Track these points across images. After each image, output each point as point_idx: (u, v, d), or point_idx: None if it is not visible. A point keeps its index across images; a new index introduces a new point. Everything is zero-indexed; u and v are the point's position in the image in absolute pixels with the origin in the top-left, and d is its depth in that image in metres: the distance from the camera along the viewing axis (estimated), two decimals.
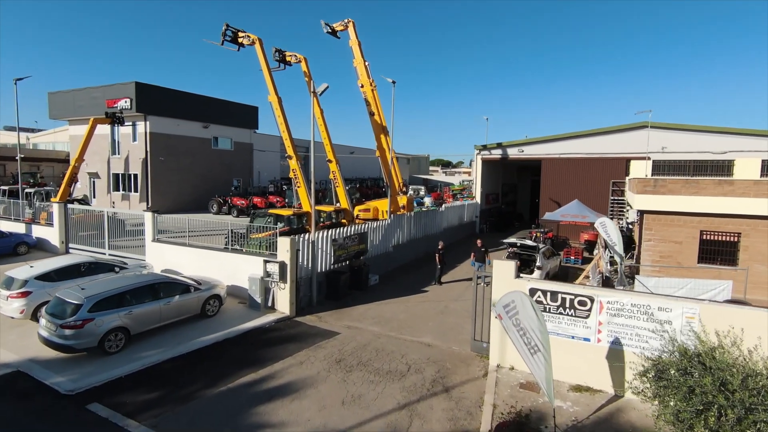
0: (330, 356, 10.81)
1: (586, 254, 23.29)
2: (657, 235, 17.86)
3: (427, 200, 39.76)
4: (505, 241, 18.53)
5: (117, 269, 13.88)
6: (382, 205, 23.64)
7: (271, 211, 18.67)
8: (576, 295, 9.65)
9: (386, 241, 19.82)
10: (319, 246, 15.33)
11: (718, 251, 17.02)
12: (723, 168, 25.37)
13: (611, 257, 18.36)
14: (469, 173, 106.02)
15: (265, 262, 13.67)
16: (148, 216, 16.74)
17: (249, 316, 13.28)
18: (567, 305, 9.72)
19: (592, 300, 9.47)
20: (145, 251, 16.90)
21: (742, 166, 24.79)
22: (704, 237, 17.15)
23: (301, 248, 14.25)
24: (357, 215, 23.78)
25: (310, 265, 14.70)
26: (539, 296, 10.01)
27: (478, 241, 18.04)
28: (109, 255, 18.41)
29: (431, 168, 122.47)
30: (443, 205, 27.47)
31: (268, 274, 13.67)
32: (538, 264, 17.19)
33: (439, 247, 18.08)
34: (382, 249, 19.47)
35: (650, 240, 17.97)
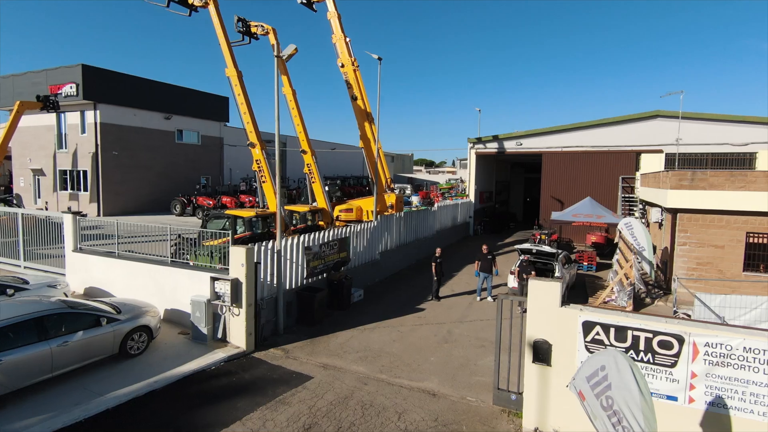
0: (296, 420, 7.52)
1: (598, 259, 20.46)
2: (694, 238, 15.07)
3: (415, 199, 36.64)
4: (518, 247, 15.45)
5: (10, 291, 10.28)
6: (367, 204, 20.40)
7: (227, 212, 15.14)
8: (656, 333, 6.57)
9: (372, 247, 16.59)
10: (288, 256, 12.01)
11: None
12: (744, 161, 22.91)
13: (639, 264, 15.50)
14: (453, 172, 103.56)
15: (213, 279, 10.28)
16: (67, 218, 13.13)
17: (190, 353, 9.88)
18: (641, 347, 6.64)
19: (681, 341, 6.41)
20: (65, 264, 13.29)
21: (766, 159, 22.35)
22: (751, 240, 14.43)
23: (262, 260, 10.92)
24: (337, 216, 20.48)
25: (275, 281, 11.37)
26: (597, 334, 6.92)
27: (484, 247, 14.95)
28: (25, 268, 14.73)
29: (414, 167, 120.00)
30: (436, 204, 24.40)
31: (217, 296, 10.29)
32: (557, 274, 14.20)
33: (437, 254, 14.94)
34: (367, 257, 16.24)
35: (685, 244, 15.18)
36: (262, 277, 11.00)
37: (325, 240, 13.50)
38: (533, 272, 13.92)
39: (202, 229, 12.30)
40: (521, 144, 27.73)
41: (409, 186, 48.07)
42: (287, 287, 11.98)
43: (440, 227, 24.16)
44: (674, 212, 15.31)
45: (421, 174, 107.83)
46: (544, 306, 7.31)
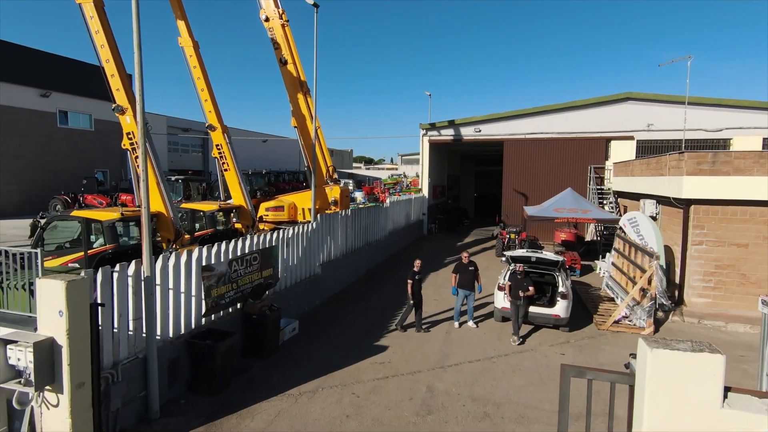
0: None
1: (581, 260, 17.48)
2: (712, 235, 12.23)
3: (358, 195, 32.47)
4: (510, 254, 11.63)
5: None
6: (303, 200, 15.87)
7: (76, 213, 9.79)
8: None
9: (310, 258, 12.18)
10: (171, 283, 7.35)
11: None
12: (718, 148, 21.07)
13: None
14: (395, 168, 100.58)
15: (4, 343, 5.43)
16: None
17: None
18: None
19: None
20: None
21: (741, 145, 20.63)
22: None
23: (116, 296, 6.22)
24: (261, 218, 15.74)
25: (144, 329, 6.69)
26: None
27: (465, 255, 11.07)
28: None
29: (353, 165, 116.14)
30: (388, 200, 20.36)
31: (16, 373, 5.47)
32: (561, 290, 10.65)
33: (415, 268, 10.78)
34: (304, 271, 11.81)
35: (701, 243, 12.32)
36: (116, 325, 6.31)
37: (240, 253, 8.95)
38: (531, 288, 10.28)
39: (39, 241, 7.27)
40: (480, 130, 24.46)
41: (351, 181, 43.79)
42: (170, 335, 7.33)
43: (393, 227, 20.17)
44: (687, 204, 12.39)
45: (361, 171, 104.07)
46: (684, 397, 3.40)
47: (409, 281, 10.45)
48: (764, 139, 20.36)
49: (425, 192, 26.07)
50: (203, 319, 8.06)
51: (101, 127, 29.33)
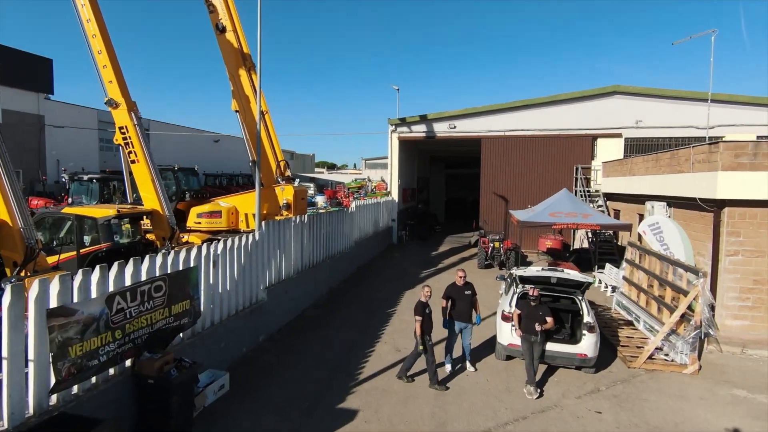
0: None
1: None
2: (749, 243, 10.09)
3: (320, 199, 29.33)
4: (519, 273, 8.79)
5: None
6: (246, 203, 12.59)
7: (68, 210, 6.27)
8: None
9: (251, 281, 9.06)
10: None
11: None
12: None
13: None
14: (359, 173, 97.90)
15: None
16: None
17: None
18: None
19: None
20: None
21: None
22: None
23: None
24: (189, 229, 12.30)
25: None
26: None
27: (460, 275, 8.26)
28: None
29: (316, 170, 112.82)
30: (353, 204, 17.38)
31: None
32: (588, 320, 8.06)
33: (423, 298, 7.74)
34: (242, 299, 8.67)
35: (737, 253, 10.16)
36: None
37: (130, 282, 5.81)
38: (550, 319, 7.64)
39: None
40: (455, 126, 22.00)
41: (312, 185, 40.52)
42: None
43: (360, 236, 17.25)
44: (719, 206, 10.22)
45: (324, 175, 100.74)
46: None
47: (417, 319, 7.42)
48: (758, 136, 18.91)
49: (394, 195, 23.33)
50: (53, 397, 4.87)
51: (12, 119, 24.77)
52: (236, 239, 8.51)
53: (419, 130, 22.59)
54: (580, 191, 19.89)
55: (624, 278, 11.97)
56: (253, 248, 9.05)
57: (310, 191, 40.64)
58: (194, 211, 12.06)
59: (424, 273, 16.33)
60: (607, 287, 13.94)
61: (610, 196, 18.87)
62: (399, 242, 23.53)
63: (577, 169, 20.44)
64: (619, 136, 20.24)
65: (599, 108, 20.38)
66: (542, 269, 8.74)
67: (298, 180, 12.46)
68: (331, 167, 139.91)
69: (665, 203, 12.92)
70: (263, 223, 9.80)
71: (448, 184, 37.78)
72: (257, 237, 9.32)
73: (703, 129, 19.45)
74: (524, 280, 8.51)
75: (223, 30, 12.01)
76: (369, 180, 51.10)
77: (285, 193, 11.83)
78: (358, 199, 32.65)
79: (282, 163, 12.41)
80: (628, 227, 13.31)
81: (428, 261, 18.62)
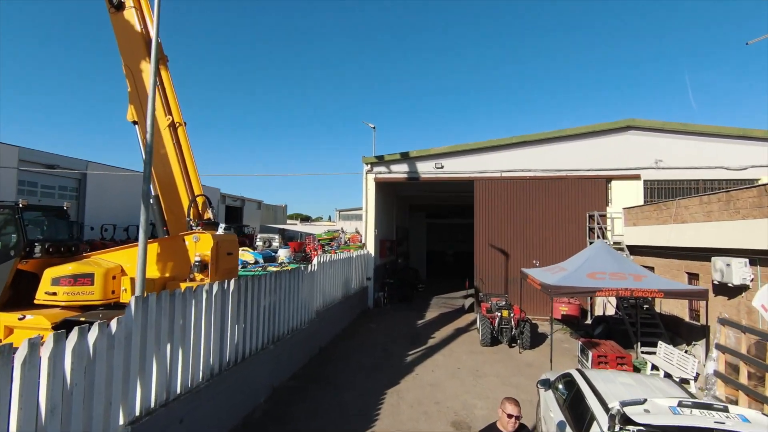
0: None
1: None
2: None
3: (283, 253, 24.86)
4: (630, 413, 4.56)
5: None
6: (131, 260, 8.05)
7: None
8: None
9: (93, 416, 4.55)
10: None
11: None
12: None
13: None
14: (334, 225, 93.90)
15: None
16: None
17: None
18: None
19: None
20: None
21: None
22: None
23: None
24: (42, 302, 7.67)
25: None
26: None
27: (510, 412, 4.02)
28: None
29: (289, 221, 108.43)
30: (315, 260, 13.08)
31: None
32: None
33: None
34: None
35: None
36: None
37: None
38: None
39: None
40: (442, 166, 18.47)
41: (277, 236, 36.06)
42: None
43: (324, 303, 12.87)
44: None
45: (297, 227, 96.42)
46: None
47: None
48: None
49: (370, 247, 19.20)
50: None
51: None
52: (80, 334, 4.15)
53: (400, 171, 18.95)
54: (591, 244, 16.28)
55: (715, 372, 7.95)
56: (102, 351, 4.67)
57: (275, 243, 36.10)
58: (49, 274, 7.54)
59: (411, 355, 11.95)
60: (681, 378, 9.85)
61: (637, 250, 15.30)
62: (376, 306, 19.13)
63: (592, 216, 16.96)
64: (636, 178, 17.07)
65: (612, 146, 17.32)
66: (680, 405, 4.44)
67: (223, 226, 8.21)
68: (305, 219, 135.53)
69: (746, 260, 9.29)
70: (149, 297, 5.46)
71: (429, 236, 34.00)
72: (123, 326, 4.97)
73: (734, 170, 16.50)
74: (631, 422, 4.26)
75: (120, 6, 8.22)
76: (342, 231, 47.03)
77: (200, 246, 7.55)
78: (327, 253, 28.40)
79: (200, 201, 8.24)
80: (703, 294, 9.49)
81: (415, 335, 14.27)
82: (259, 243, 35.76)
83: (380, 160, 18.91)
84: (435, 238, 34.82)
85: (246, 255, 22.49)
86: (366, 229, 19.15)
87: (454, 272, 34.91)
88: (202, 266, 7.43)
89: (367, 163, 19.05)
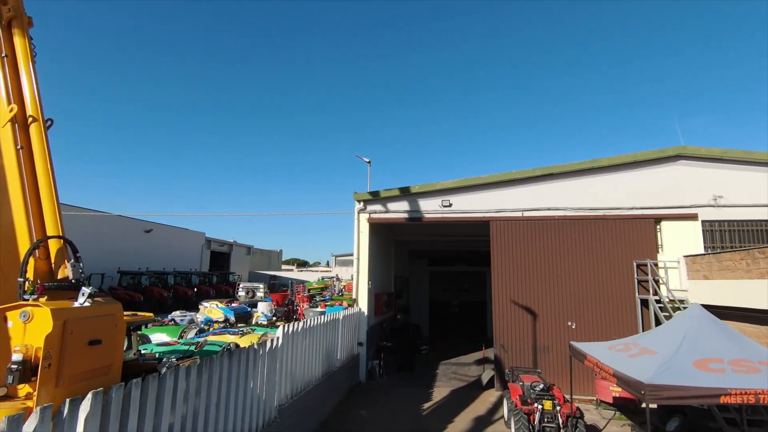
0: None
1: None
2: None
3: (262, 308, 21.12)
4: None
5: None
6: None
7: None
8: None
9: None
10: None
11: None
12: None
13: None
14: (329, 271, 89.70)
15: None
16: None
17: None
18: None
19: None
20: None
21: None
22: None
23: None
24: None
25: None
26: None
27: None
28: None
29: (284, 266, 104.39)
30: (280, 332, 9.45)
31: None
32: None
33: None
34: None
35: None
36: None
37: None
38: None
39: None
40: (450, 204, 15.22)
41: (262, 285, 32.26)
42: None
43: (294, 391, 9.14)
44: None
45: (292, 274, 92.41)
46: None
47: None
48: None
49: (363, 304, 15.55)
50: None
51: None
52: None
53: (398, 210, 15.66)
54: (649, 300, 12.73)
55: None
56: None
57: (258, 293, 32.27)
58: None
59: None
60: None
61: (711, 312, 11.71)
62: (370, 378, 15.24)
63: (642, 266, 13.51)
64: (692, 217, 13.78)
65: (659, 179, 14.17)
66: None
67: (89, 291, 4.71)
68: (302, 264, 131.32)
69: None
70: None
71: (432, 285, 30.27)
72: None
73: None
74: None
75: None
76: (337, 279, 43.16)
77: (31, 330, 4.10)
78: (315, 306, 24.69)
79: (54, 249, 4.85)
80: None
81: (416, 417, 10.39)
82: (241, 293, 31.97)
83: (375, 197, 15.67)
84: (438, 287, 31.09)
85: (214, 312, 18.81)
86: (358, 282, 15.58)
87: (461, 326, 30.94)
88: (25, 371, 3.92)
89: (359, 201, 15.80)
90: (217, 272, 40.36)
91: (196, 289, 32.14)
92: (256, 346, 7.56)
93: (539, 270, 14.30)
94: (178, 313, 18.09)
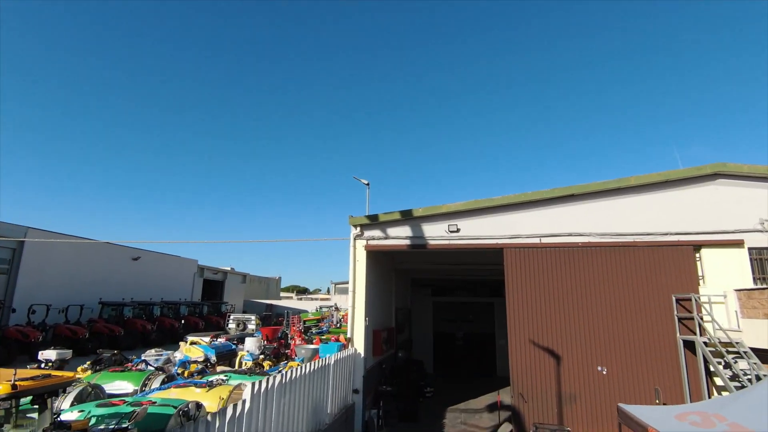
0: None
1: None
2: None
3: (250, 344, 19.06)
4: None
5: None
6: None
7: None
8: None
9: None
10: None
11: None
12: None
13: None
14: (328, 299, 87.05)
15: None
16: None
17: None
18: None
19: None
20: None
21: None
22: None
23: None
24: None
25: None
26: None
27: None
28: None
29: (283, 294, 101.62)
30: (246, 394, 7.56)
31: None
32: None
33: None
34: None
35: None
36: None
37: None
38: None
39: None
40: (458, 229, 13.48)
41: (253, 317, 30.14)
42: None
43: None
44: None
45: (292, 302, 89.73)
46: None
47: None
48: None
49: (359, 344, 13.58)
50: None
51: None
52: None
53: (400, 235, 13.90)
54: (695, 342, 10.80)
55: None
56: None
57: (250, 325, 30.14)
58: None
59: None
60: None
61: (758, 352, 9.82)
62: (366, 430, 13.13)
63: (683, 301, 11.65)
64: (737, 244, 11.99)
65: (696, 200, 12.46)
66: None
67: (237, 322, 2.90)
68: (302, 291, 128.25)
69: None
70: None
71: (436, 317, 28.18)
72: None
73: None
74: None
75: None
76: (335, 309, 40.96)
77: None
78: (308, 341, 22.66)
79: None
80: None
81: None
82: (231, 325, 29.84)
83: (373, 222, 13.94)
84: (441, 317, 29.00)
85: (193, 351, 16.80)
86: (353, 319, 13.68)
87: (466, 360, 28.75)
88: None
89: (355, 225, 14.07)
90: (209, 302, 38.27)
91: (183, 321, 30.05)
92: (209, 418, 5.68)
93: (562, 305, 12.42)
94: (153, 351, 16.06)
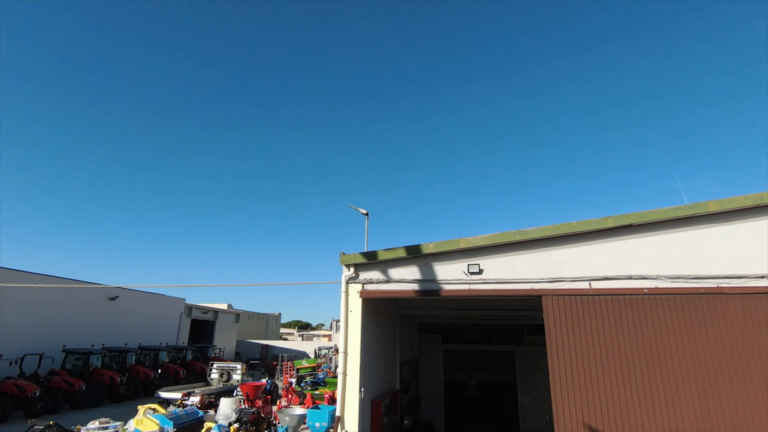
0: None
1: None
2: None
3: (223, 410, 15.64)
4: None
5: None
6: None
7: None
8: None
9: None
10: None
11: None
12: None
13: None
14: (329, 337, 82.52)
15: None
16: None
17: None
18: None
19: None
20: None
21: None
22: None
23: None
24: None
25: None
26: None
27: None
28: None
29: (284, 330, 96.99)
30: None
31: None
32: None
33: None
34: None
35: None
36: None
37: None
38: None
39: None
40: (481, 270, 10.40)
41: (238, 365, 26.55)
42: None
43: None
44: None
45: (292, 339, 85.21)
46: None
47: None
48: None
49: (351, 423, 10.23)
50: None
51: None
52: None
53: (405, 278, 10.81)
54: None
55: None
56: None
57: (236, 375, 26.62)
58: None
59: None
60: None
61: None
62: None
63: None
64: None
65: (758, 233, 9.41)
66: None
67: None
68: (304, 327, 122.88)
69: None
70: None
71: (447, 367, 24.57)
72: None
73: None
74: None
75: None
76: (335, 351, 37.23)
77: None
78: (302, 393, 19.27)
79: None
80: None
81: None
82: (214, 375, 26.22)
83: (371, 260, 10.89)
84: (452, 365, 25.36)
85: (146, 424, 13.39)
86: (344, 390, 10.38)
87: (481, 413, 25.01)
88: None
89: (347, 265, 11.01)
90: (193, 346, 34.72)
91: (160, 371, 26.54)
92: None
93: (627, 374, 9.17)
94: (97, 423, 12.77)
